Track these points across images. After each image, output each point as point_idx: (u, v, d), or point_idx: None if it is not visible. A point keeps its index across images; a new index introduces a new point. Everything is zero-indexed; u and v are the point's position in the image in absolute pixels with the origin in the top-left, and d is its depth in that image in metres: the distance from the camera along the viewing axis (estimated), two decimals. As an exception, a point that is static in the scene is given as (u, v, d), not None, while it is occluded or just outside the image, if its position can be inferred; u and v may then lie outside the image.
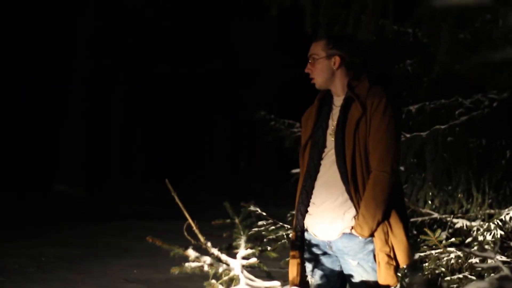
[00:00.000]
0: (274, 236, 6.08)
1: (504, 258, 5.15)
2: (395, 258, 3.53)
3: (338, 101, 3.73)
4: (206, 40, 25.41)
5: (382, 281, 3.49)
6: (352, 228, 3.53)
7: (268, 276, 3.63)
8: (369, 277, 3.55)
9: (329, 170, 3.64)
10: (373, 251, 3.54)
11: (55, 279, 8.17)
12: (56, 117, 24.00)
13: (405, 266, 3.59)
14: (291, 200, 3.97)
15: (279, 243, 5.95)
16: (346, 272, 3.65)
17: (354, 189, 3.50)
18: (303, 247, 3.78)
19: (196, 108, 27.76)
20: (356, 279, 3.58)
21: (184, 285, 7.69)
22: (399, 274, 4.22)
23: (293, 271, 3.76)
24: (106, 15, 23.01)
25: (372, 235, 3.50)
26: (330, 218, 3.60)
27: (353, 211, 3.54)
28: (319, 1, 3.15)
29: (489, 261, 5.09)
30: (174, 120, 27.98)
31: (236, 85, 27.27)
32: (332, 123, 3.68)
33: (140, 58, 25.06)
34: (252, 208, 5.87)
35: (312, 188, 3.71)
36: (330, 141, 3.66)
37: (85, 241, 11.60)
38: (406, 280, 4.83)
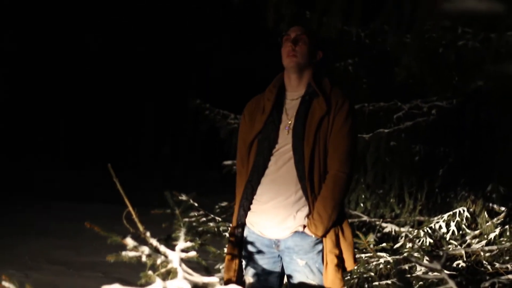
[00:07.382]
0: (204, 229, 5.97)
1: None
2: (343, 261, 3.48)
3: (293, 95, 3.62)
4: (144, 19, 25.10)
5: (329, 284, 3.41)
6: (305, 227, 3.45)
7: (206, 271, 3.51)
8: (314, 278, 3.46)
9: (281, 168, 3.51)
10: (322, 252, 3.47)
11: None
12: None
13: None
14: (214, 190, 3.86)
15: (208, 235, 5.84)
16: (288, 272, 3.54)
17: (310, 188, 3.42)
18: (242, 244, 3.66)
19: (127, 88, 27.37)
20: (300, 279, 3.48)
21: (106, 270, 7.54)
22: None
23: (230, 269, 3.62)
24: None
25: (324, 235, 3.44)
26: (281, 216, 3.48)
27: (306, 210, 3.45)
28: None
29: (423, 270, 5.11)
30: (103, 98, 27.49)
31: (169, 68, 27.02)
32: (287, 117, 3.57)
33: (71, 31, 24.64)
34: (183, 197, 5.75)
35: (258, 184, 3.58)
36: (284, 137, 3.53)
37: (6, 218, 11.43)
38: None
